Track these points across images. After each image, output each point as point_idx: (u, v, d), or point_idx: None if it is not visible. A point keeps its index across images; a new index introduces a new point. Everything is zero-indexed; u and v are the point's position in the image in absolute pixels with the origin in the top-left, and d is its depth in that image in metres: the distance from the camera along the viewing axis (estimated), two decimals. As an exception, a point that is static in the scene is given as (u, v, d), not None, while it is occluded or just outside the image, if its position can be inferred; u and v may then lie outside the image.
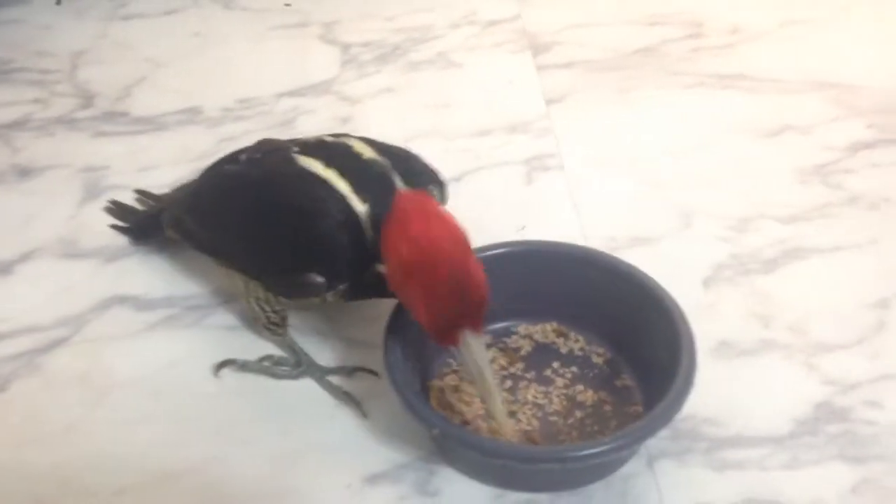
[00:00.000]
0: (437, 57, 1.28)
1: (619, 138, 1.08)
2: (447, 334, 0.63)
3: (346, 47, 1.31)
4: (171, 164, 1.05)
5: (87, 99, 1.20)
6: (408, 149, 0.74)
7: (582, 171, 1.02)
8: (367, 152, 0.71)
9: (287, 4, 1.45)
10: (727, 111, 1.13)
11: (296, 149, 0.73)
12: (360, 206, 0.67)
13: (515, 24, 1.36)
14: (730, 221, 0.94)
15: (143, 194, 0.95)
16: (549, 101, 1.16)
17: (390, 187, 0.68)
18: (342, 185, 0.68)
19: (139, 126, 1.14)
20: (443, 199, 0.75)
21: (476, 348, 0.63)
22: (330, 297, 0.70)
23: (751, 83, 1.18)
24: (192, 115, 1.16)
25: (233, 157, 0.80)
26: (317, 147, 0.73)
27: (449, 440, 0.63)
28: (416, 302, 0.63)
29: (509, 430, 0.66)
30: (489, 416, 0.68)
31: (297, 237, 0.68)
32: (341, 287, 0.69)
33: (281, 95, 1.19)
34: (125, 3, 1.46)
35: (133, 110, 1.18)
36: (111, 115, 1.17)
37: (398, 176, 0.69)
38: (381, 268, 0.66)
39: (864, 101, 1.14)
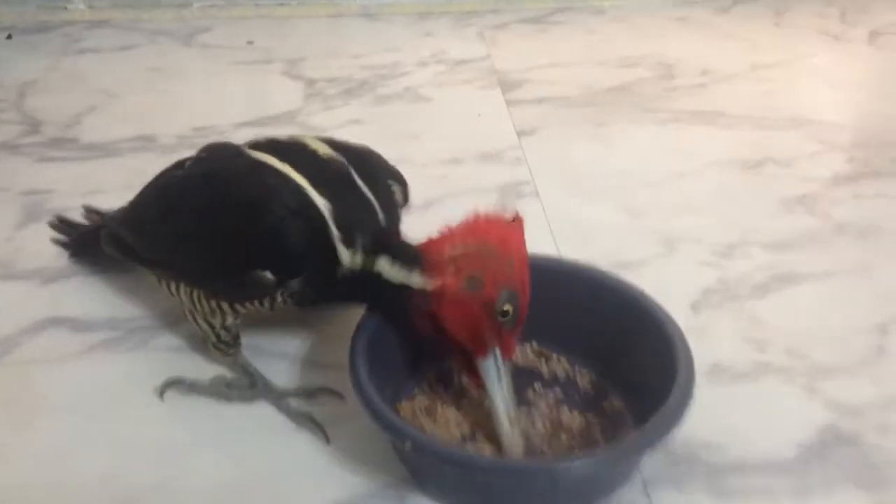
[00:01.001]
0: (404, 91, 1.24)
1: (595, 168, 1.04)
2: (509, 339, 0.62)
3: (310, 82, 1.27)
4: (121, 188, 0.95)
5: (33, 126, 1.14)
6: (368, 147, 0.69)
7: (558, 198, 0.97)
8: (323, 149, 0.66)
9: (249, 42, 1.41)
10: (705, 145, 1.10)
11: (246, 146, 0.68)
12: (320, 200, 0.61)
13: (484, 63, 1.33)
14: (715, 248, 0.89)
15: (90, 210, 0.88)
16: (520, 133, 1.12)
17: (350, 184, 0.64)
18: (299, 178, 0.62)
19: (88, 152, 1.08)
20: (405, 197, 0.71)
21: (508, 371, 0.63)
22: (280, 297, 0.63)
23: (727, 119, 1.16)
24: (145, 142, 1.10)
25: (178, 165, 0.74)
26: (269, 144, 0.68)
27: (422, 454, 0.55)
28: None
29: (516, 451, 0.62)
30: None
31: (244, 229, 0.61)
32: (294, 283, 0.62)
33: (240, 125, 1.14)
34: (79, 39, 1.41)
35: (82, 137, 1.11)
36: (58, 142, 1.10)
37: (356, 173, 0.64)
38: (385, 268, 0.62)
39: (842, 137, 1.12)
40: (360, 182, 0.64)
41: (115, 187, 0.98)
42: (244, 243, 0.62)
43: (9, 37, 1.41)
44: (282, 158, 0.64)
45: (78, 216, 0.89)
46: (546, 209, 0.95)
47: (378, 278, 0.62)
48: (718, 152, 1.07)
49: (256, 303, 0.65)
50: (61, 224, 0.88)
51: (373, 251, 0.62)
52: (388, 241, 0.63)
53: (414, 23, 1.50)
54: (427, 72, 1.30)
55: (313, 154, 0.66)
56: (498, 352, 0.62)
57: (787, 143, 1.10)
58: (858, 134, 1.12)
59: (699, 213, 0.95)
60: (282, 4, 1.53)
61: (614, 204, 0.97)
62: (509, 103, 1.20)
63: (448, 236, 0.63)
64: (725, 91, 1.24)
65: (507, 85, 1.25)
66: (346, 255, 0.61)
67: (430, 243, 0.63)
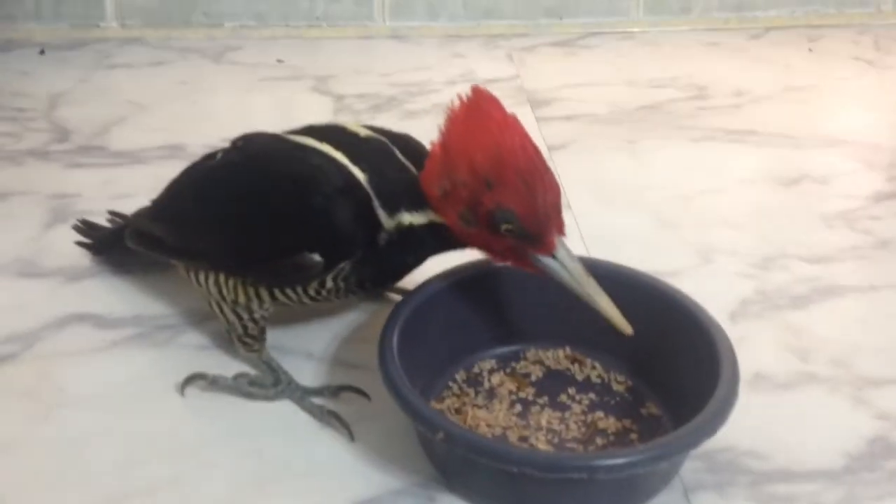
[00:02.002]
0: (433, 107, 1.23)
1: (627, 181, 1.02)
2: (542, 242, 0.59)
3: (339, 97, 1.26)
4: (148, 192, 0.96)
5: (63, 134, 1.13)
6: (408, 133, 0.68)
7: (590, 209, 0.95)
8: (363, 131, 0.66)
9: (279, 60, 1.41)
10: (739, 162, 1.08)
11: (284, 133, 0.67)
12: (361, 175, 0.60)
13: (513, 82, 1.33)
14: (752, 259, 0.86)
15: (115, 215, 0.87)
16: (550, 148, 1.10)
17: (391, 158, 0.63)
18: (339, 156, 0.61)
19: (116, 159, 1.07)
20: None
21: (569, 252, 0.60)
22: (331, 282, 0.62)
23: (761, 138, 1.14)
24: (173, 150, 1.09)
25: (208, 157, 0.72)
26: (308, 130, 0.67)
27: (455, 446, 0.53)
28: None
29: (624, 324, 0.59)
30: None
31: (289, 210, 0.60)
32: (344, 265, 0.61)
33: (269, 136, 1.13)
34: (111, 55, 1.42)
35: (110, 145, 1.11)
36: (87, 149, 1.10)
37: (398, 150, 0.64)
38: (411, 217, 0.61)
39: (880, 158, 1.09)
40: (401, 157, 0.63)
41: (141, 193, 0.96)
42: (290, 226, 0.60)
43: (41, 52, 1.42)
44: (321, 140, 0.63)
45: (103, 221, 0.88)
46: (577, 220, 0.93)
47: (411, 229, 0.61)
48: (754, 169, 1.05)
49: (300, 289, 0.63)
50: (85, 227, 0.87)
51: (396, 209, 0.61)
52: (403, 194, 0.62)
53: (442, 44, 1.50)
54: (455, 89, 1.27)
55: (353, 135, 0.65)
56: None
57: (823, 161, 1.08)
58: (897, 155, 1.10)
59: (735, 227, 0.93)
60: (312, 25, 1.54)
61: (647, 216, 0.95)
62: (539, 120, 1.19)
63: (432, 162, 0.61)
64: (759, 111, 1.22)
65: (536, 103, 1.24)
66: (388, 223, 0.61)
67: (424, 173, 0.61)
